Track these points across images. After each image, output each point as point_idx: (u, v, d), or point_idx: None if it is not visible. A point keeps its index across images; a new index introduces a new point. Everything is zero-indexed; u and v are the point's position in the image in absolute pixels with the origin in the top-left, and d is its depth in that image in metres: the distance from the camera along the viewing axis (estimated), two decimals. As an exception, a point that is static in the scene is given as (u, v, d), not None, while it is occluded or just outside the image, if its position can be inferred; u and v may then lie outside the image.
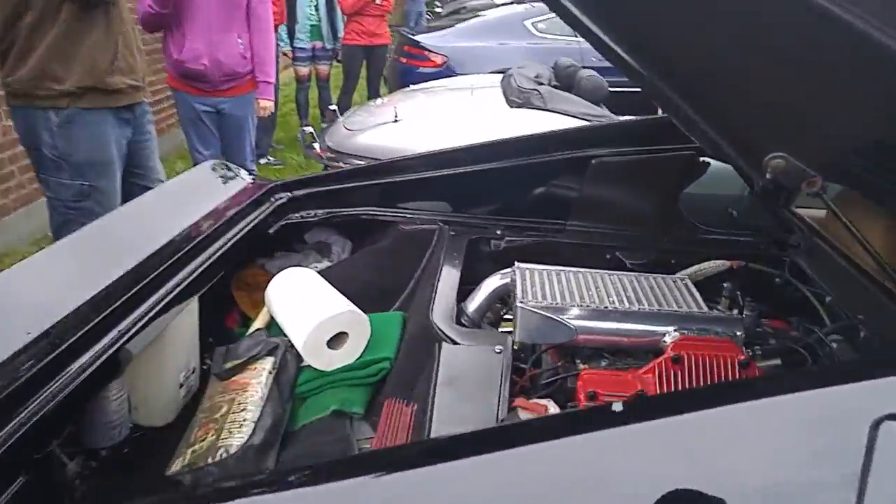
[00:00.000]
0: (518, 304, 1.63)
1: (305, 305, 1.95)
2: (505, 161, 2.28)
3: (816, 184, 0.90)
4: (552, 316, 1.61)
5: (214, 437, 1.55)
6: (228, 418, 1.61)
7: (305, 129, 4.53)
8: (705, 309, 1.64)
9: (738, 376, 1.46)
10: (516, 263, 1.85)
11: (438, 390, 1.46)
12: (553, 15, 5.76)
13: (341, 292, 2.05)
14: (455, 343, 1.63)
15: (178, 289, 1.73)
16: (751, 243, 2.14)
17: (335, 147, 4.44)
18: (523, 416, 1.32)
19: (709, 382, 1.46)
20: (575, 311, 1.62)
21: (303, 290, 2.05)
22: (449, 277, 1.94)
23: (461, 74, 6.41)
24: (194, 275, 1.82)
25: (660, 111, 1.57)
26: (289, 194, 2.39)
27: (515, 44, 6.87)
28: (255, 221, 2.21)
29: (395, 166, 2.42)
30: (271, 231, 2.28)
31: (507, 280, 1.85)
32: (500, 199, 2.32)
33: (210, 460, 1.47)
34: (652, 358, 1.62)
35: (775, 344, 1.67)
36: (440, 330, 1.68)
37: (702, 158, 2.14)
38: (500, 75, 5.17)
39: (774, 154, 0.87)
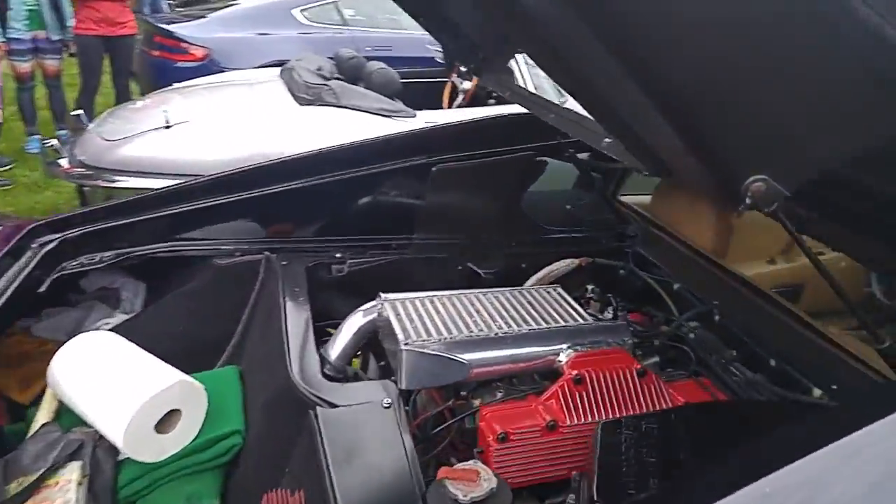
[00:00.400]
0: (403, 348, 1.40)
1: (116, 382, 1.52)
2: (335, 174, 2.01)
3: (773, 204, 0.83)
4: (443, 354, 1.42)
5: None
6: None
7: (47, 141, 3.73)
8: (589, 319, 1.57)
9: (638, 387, 1.41)
10: (381, 295, 1.62)
11: (334, 471, 1.19)
12: (321, 3, 5.46)
13: (151, 353, 1.64)
14: (332, 405, 1.36)
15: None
16: (592, 238, 2.15)
17: (90, 162, 3.71)
18: (453, 488, 1.11)
19: (612, 399, 1.39)
20: (464, 344, 1.45)
21: (106, 360, 1.60)
22: (298, 319, 1.64)
23: (228, 69, 5.84)
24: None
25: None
26: (58, 236, 1.87)
27: (283, 33, 6.43)
28: (18, 280, 1.68)
29: (195, 189, 2.00)
30: (42, 289, 1.76)
31: (373, 316, 1.61)
32: (332, 217, 2.05)
33: None
34: (544, 380, 1.53)
35: (655, 343, 1.67)
36: (308, 391, 1.39)
37: (539, 158, 2.09)
38: (276, 69, 4.78)
39: (756, 177, 0.78)
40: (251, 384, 1.68)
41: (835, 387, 1.36)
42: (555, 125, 1.42)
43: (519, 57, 2.27)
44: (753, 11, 0.68)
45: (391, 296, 1.62)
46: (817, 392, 1.37)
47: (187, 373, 1.63)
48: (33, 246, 1.82)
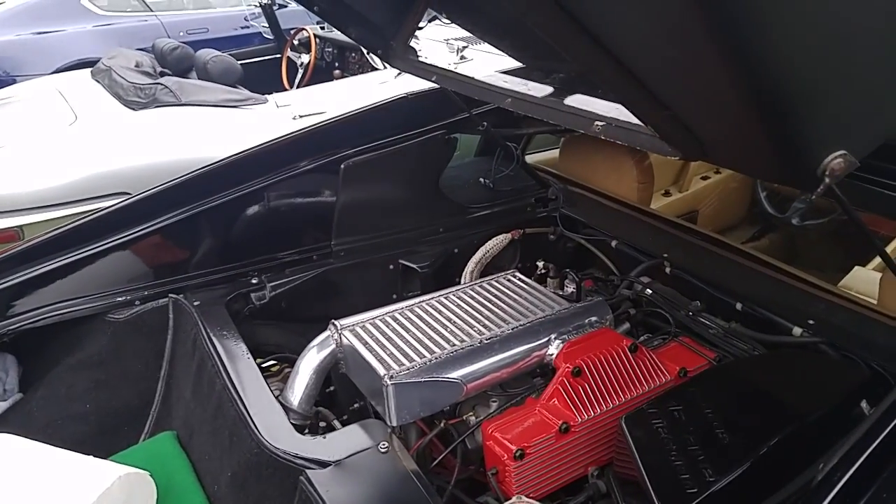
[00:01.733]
0: (388, 383, 1.23)
1: (35, 496, 1.22)
2: (231, 191, 1.74)
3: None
4: (433, 378, 1.27)
5: None
6: None
7: None
8: (564, 302, 1.49)
9: (634, 365, 1.35)
10: (334, 323, 1.42)
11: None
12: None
13: (58, 444, 1.35)
14: (323, 464, 1.17)
15: None
16: (516, 209, 2.06)
17: None
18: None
19: (613, 384, 1.32)
20: (451, 361, 1.30)
21: (9, 469, 1.27)
22: (241, 367, 1.41)
23: (18, 77, 5.00)
24: None
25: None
26: None
27: (76, 28, 5.59)
28: None
29: (64, 237, 1.65)
30: None
31: (331, 347, 1.41)
32: (235, 239, 1.78)
33: None
34: (533, 377, 1.43)
35: (630, 311, 1.62)
36: (288, 454, 1.19)
37: (451, 135, 1.95)
38: (82, 72, 4.13)
39: (837, 154, 0.70)
40: (199, 452, 1.44)
41: (811, 321, 1.39)
42: (516, 110, 1.27)
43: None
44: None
45: (345, 321, 1.43)
46: (797, 330, 1.39)
47: (106, 456, 1.38)
48: None
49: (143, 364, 1.63)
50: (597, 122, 1.01)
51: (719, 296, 1.57)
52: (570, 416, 1.27)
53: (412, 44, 1.58)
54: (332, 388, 1.67)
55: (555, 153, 2.35)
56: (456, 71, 1.42)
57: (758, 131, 0.73)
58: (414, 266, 1.86)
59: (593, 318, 1.43)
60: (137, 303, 1.65)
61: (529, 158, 2.35)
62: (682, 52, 0.67)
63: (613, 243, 1.87)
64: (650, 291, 1.67)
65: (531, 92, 1.23)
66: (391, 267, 1.87)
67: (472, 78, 1.37)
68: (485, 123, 1.90)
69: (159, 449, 1.48)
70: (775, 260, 1.57)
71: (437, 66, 1.45)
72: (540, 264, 1.79)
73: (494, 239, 1.92)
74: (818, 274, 1.52)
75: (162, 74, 4.01)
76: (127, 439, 1.59)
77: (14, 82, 4.67)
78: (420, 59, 1.54)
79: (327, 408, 1.54)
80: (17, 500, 1.22)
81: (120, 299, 1.65)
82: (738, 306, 1.53)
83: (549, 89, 1.31)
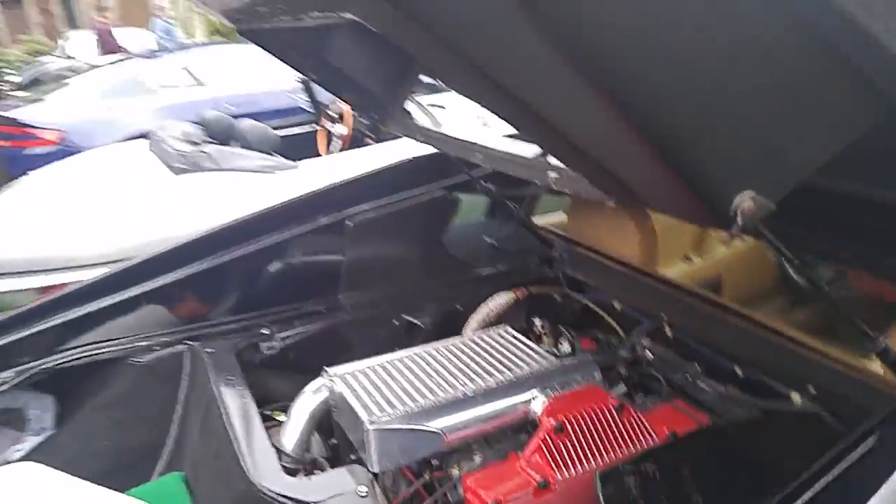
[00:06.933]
0: (369, 427, 1.26)
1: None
2: (248, 244, 1.83)
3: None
4: (413, 426, 1.28)
5: None
6: None
7: None
8: (552, 358, 1.49)
9: (619, 425, 1.34)
10: (326, 370, 1.46)
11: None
12: (170, 67, 5.15)
13: (77, 474, 1.40)
14: (304, 504, 1.19)
15: None
16: (520, 268, 2.09)
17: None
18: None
19: (596, 443, 1.31)
20: (432, 410, 1.32)
21: (33, 497, 1.33)
22: (241, 411, 1.46)
23: (85, 148, 5.38)
24: None
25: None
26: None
27: (137, 102, 6.00)
28: None
29: (95, 286, 1.77)
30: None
31: (324, 395, 1.45)
32: (249, 290, 1.86)
33: None
34: (520, 432, 1.43)
35: (620, 371, 1.61)
36: (272, 492, 1.22)
37: (453, 195, 2.02)
38: (138, 142, 4.44)
39: (744, 194, 0.73)
40: (201, 491, 1.48)
41: (814, 392, 1.34)
42: (485, 165, 1.34)
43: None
44: (730, 19, 0.64)
45: (338, 369, 1.47)
46: (796, 397, 1.35)
47: (121, 491, 1.41)
48: None
49: (157, 407, 1.70)
50: (550, 173, 1.05)
51: (718, 359, 1.55)
52: (549, 472, 1.26)
53: (407, 107, 1.67)
54: (334, 441, 1.70)
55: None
56: (440, 132, 1.50)
57: (672, 173, 0.77)
58: (417, 322, 1.90)
59: (579, 376, 1.43)
60: (157, 348, 1.73)
61: (540, 220, 2.39)
62: (578, 102, 0.71)
63: (616, 304, 1.87)
64: (649, 353, 1.66)
65: (503, 147, 1.29)
66: (395, 322, 1.91)
67: (453, 137, 1.44)
68: (482, 182, 1.96)
69: (166, 489, 1.52)
70: (777, 324, 1.54)
71: (424, 128, 1.53)
72: (537, 322, 1.81)
73: (498, 296, 1.95)
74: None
75: (208, 142, 4.27)
76: (139, 477, 1.64)
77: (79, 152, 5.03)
78: (414, 121, 1.63)
79: (330, 460, 1.56)
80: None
81: (142, 344, 1.73)
82: (738, 371, 1.50)
83: (527, 145, 1.36)
